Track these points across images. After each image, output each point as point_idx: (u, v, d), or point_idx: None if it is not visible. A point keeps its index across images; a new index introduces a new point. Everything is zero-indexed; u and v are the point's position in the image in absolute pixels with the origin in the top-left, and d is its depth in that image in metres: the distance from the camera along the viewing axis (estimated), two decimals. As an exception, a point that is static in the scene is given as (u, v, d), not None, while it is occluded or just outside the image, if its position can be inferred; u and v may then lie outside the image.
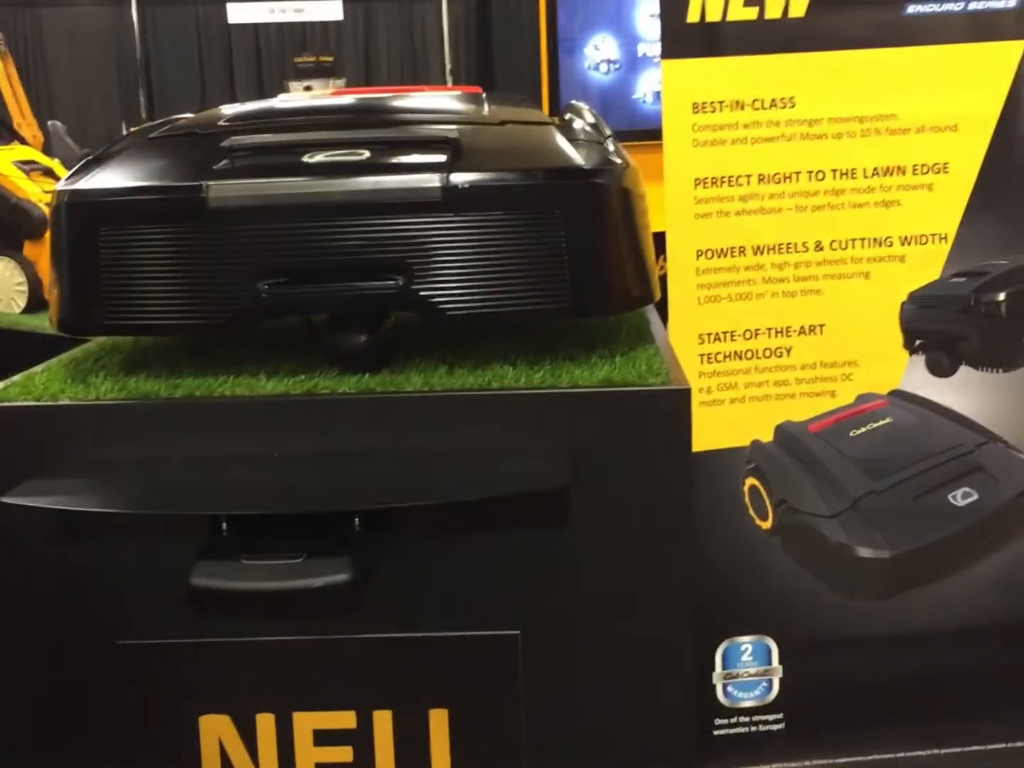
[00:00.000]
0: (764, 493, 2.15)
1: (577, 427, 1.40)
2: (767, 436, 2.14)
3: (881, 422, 2.16)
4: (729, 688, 2.20)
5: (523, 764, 1.46)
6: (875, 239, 2.04)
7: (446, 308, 1.41)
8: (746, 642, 2.18)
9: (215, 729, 1.44)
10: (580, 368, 1.45)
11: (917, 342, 2.08)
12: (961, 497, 2.16)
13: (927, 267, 2.06)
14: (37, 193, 3.38)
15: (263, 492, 1.31)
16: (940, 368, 2.09)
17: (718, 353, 2.07)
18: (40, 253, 3.30)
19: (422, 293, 1.41)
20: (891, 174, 2.01)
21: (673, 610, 1.48)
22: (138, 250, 1.40)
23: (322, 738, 1.44)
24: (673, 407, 1.41)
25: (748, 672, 2.19)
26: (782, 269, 2.05)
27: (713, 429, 2.08)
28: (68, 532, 1.40)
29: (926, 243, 2.05)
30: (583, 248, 1.44)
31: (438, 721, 1.44)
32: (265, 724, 1.44)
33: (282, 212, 1.39)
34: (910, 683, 2.20)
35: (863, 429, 2.15)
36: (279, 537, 1.30)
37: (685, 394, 1.42)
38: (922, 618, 2.19)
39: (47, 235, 1.48)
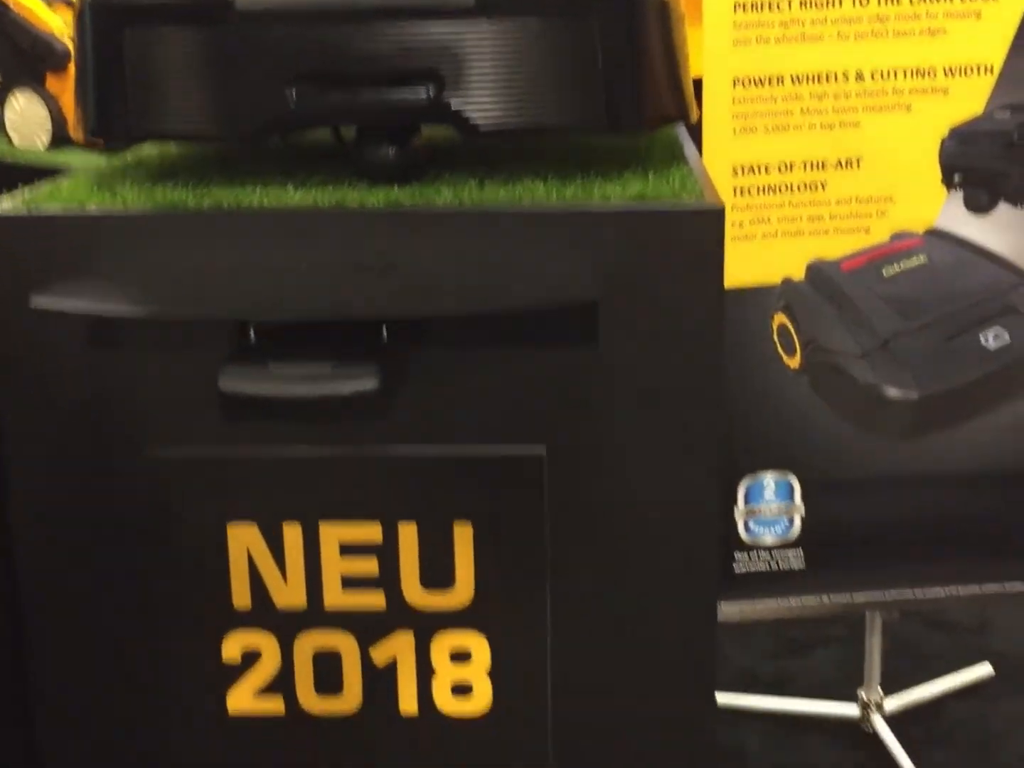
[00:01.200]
0: (793, 331, 2.14)
1: (608, 245, 1.38)
2: (799, 274, 2.12)
3: (915, 261, 2.13)
4: (751, 524, 2.21)
5: (547, 581, 1.48)
6: (918, 70, 1.98)
7: (477, 122, 1.38)
8: (769, 479, 2.20)
9: (243, 538, 1.46)
10: (612, 184, 1.43)
11: (956, 178, 2.04)
12: (992, 339, 2.14)
13: (971, 100, 2.01)
14: (60, 25, 3.32)
15: (291, 299, 1.30)
16: (978, 205, 2.05)
17: (752, 186, 2.04)
18: (63, 87, 3.24)
19: (453, 105, 1.38)
20: (938, 0, 1.95)
21: (699, 439, 1.48)
22: (163, 53, 1.37)
23: (348, 549, 1.46)
24: (707, 225, 1.38)
25: (770, 509, 2.21)
26: (821, 100, 2.00)
27: (744, 265, 2.06)
28: (96, 341, 1.40)
29: (971, 75, 1.99)
30: (619, 60, 1.40)
31: (462, 536, 1.45)
32: (292, 535, 1.45)
33: (312, 16, 1.35)
34: (931, 523, 2.21)
35: (896, 268, 2.13)
36: (307, 346, 1.30)
37: (719, 213, 1.40)
38: (946, 460, 2.19)
39: (70, 68, 1.46)
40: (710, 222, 1.39)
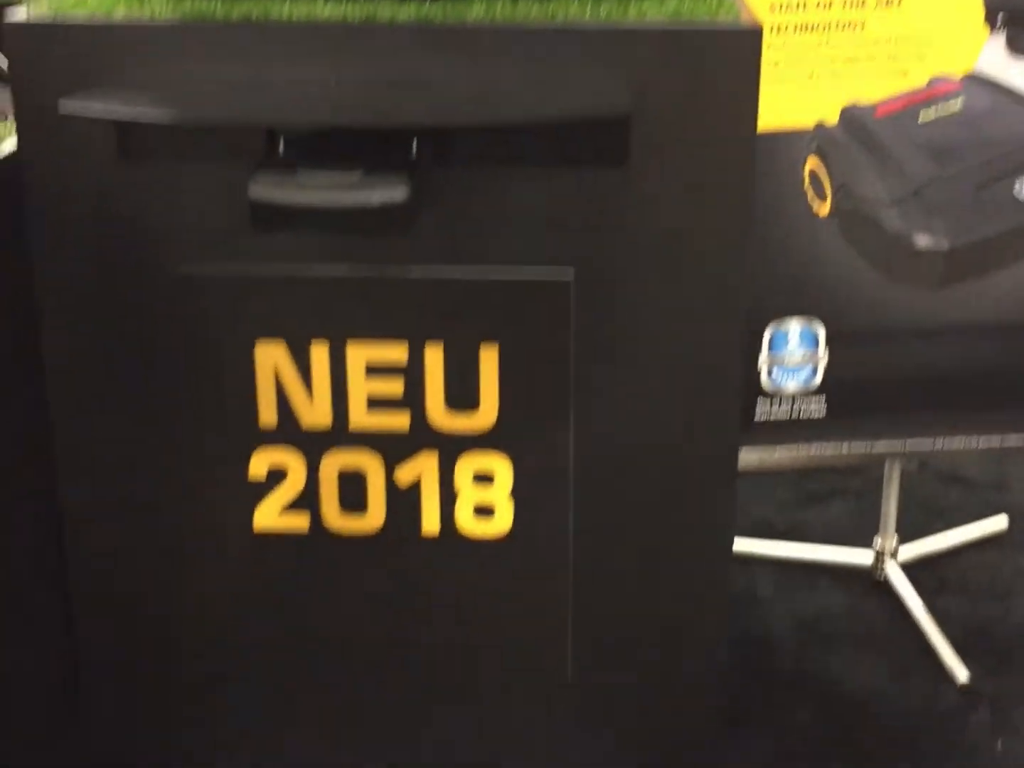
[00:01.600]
0: (824, 176, 2.11)
1: (642, 62, 1.35)
2: (833, 118, 2.08)
3: (951, 107, 2.08)
4: (774, 372, 2.21)
5: (570, 406, 1.49)
6: (964, -98, 1.93)
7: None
8: (794, 326, 2.19)
9: (271, 356, 1.47)
10: (648, 1, 1.40)
11: (1000, 18, 1.99)
12: (1026, 189, 2.11)
13: (1018, -64, 1.95)
14: None
15: (321, 107, 1.29)
16: (1021, 46, 2.00)
17: (789, 24, 1.99)
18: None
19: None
20: None
21: (726, 276, 1.47)
22: None
23: (374, 370, 1.47)
24: (744, 45, 1.36)
25: (794, 357, 2.20)
26: (863, -66, 1.95)
27: (778, 108, 2.02)
28: (125, 152, 1.39)
29: (1019, -92, 1.93)
30: None
31: (488, 358, 1.46)
32: (319, 354, 1.46)
33: None
34: (955, 374, 2.20)
35: (932, 114, 2.08)
36: (337, 157, 1.29)
37: (756, 34, 1.37)
38: (974, 311, 2.17)
39: None
40: (747, 43, 1.37)
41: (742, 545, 2.46)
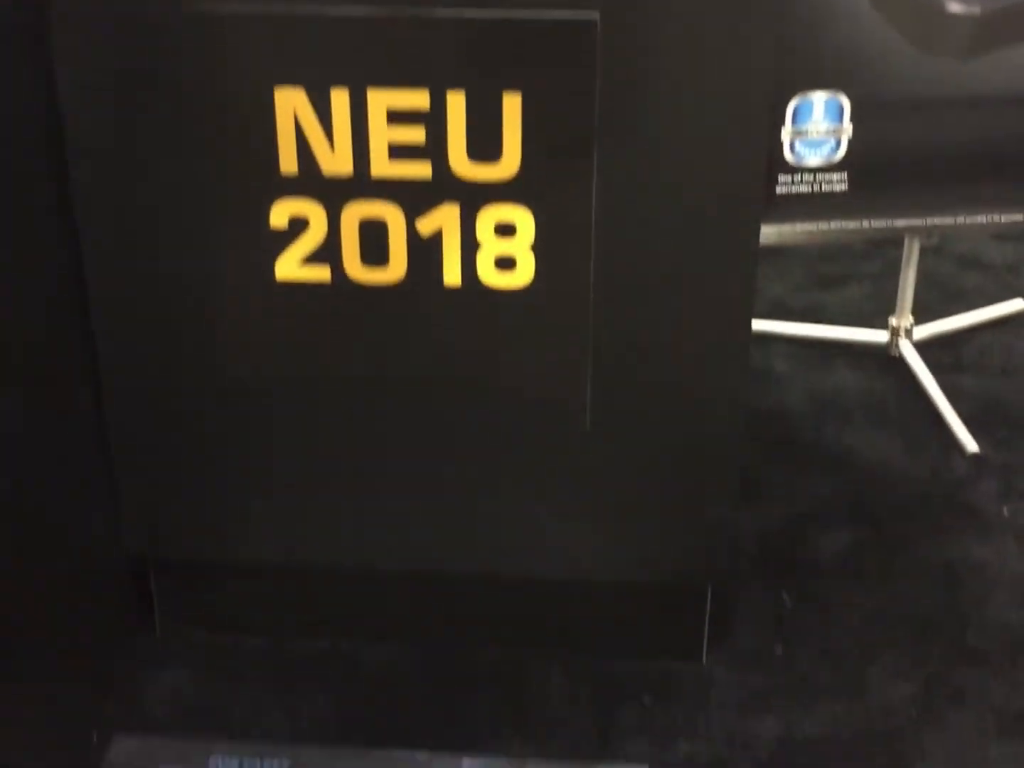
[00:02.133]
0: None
1: None
2: None
3: None
4: (796, 146, 2.18)
5: (594, 156, 1.47)
6: None
7: None
8: (819, 98, 2.15)
9: (290, 102, 1.44)
10: None
11: None
12: (1064, -47, 2.04)
13: None
14: None
15: None
16: None
17: None
18: None
19: None
20: None
21: (755, 31, 1.43)
22: None
23: (395, 117, 1.45)
24: None
25: (818, 129, 2.17)
26: None
27: None
28: None
29: None
30: None
31: (511, 106, 1.43)
32: (340, 100, 1.44)
33: None
34: (980, 147, 2.17)
35: None
36: None
37: None
38: (1003, 81, 2.13)
39: None
40: None
41: (759, 325, 2.47)
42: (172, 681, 1.74)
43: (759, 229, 1.58)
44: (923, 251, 2.41)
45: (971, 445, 2.16)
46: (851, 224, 2.24)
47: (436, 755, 1.60)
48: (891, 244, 2.72)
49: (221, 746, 1.64)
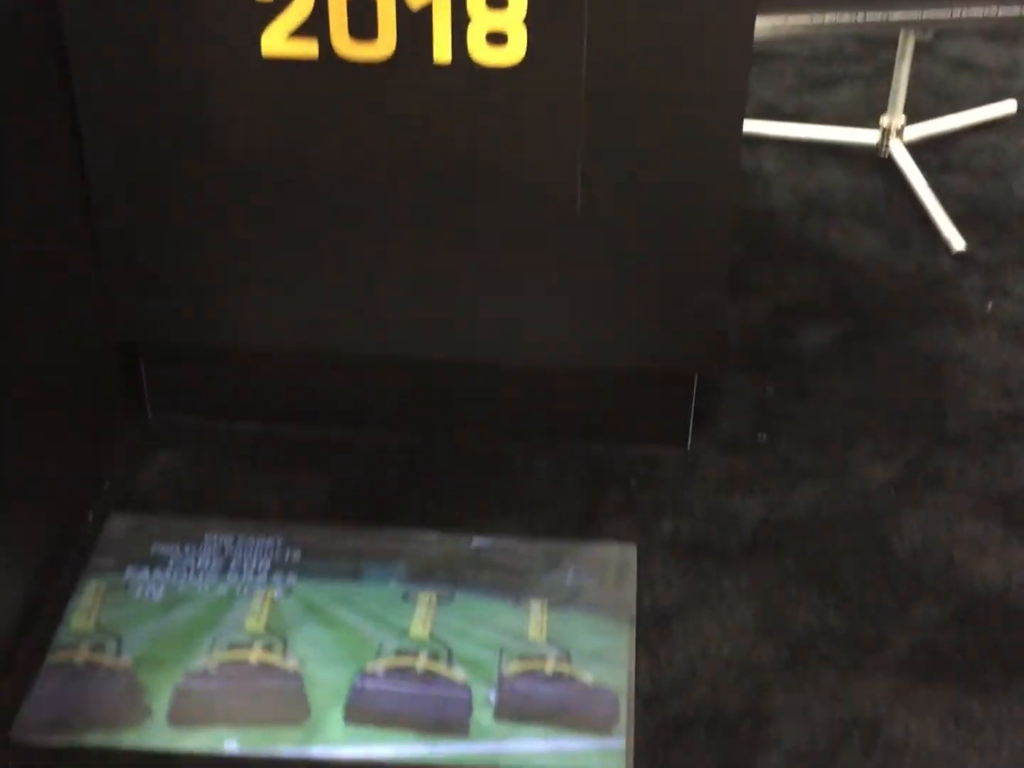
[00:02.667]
0: None
1: None
2: None
3: None
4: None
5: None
6: None
7: None
8: None
9: None
10: None
11: None
12: None
13: None
14: None
15: None
16: None
17: None
18: None
19: None
20: None
21: None
22: None
23: None
24: None
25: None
26: None
27: None
28: None
29: None
30: None
31: None
32: None
33: None
34: None
35: None
36: None
37: None
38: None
39: None
40: None
41: (748, 127, 2.45)
42: (165, 465, 1.76)
43: (754, 20, 1.54)
44: (916, 52, 2.38)
45: (957, 243, 2.16)
46: (845, 17, 2.20)
47: (447, 534, 1.65)
48: (883, 46, 2.69)
49: (216, 524, 1.68)
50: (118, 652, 1.50)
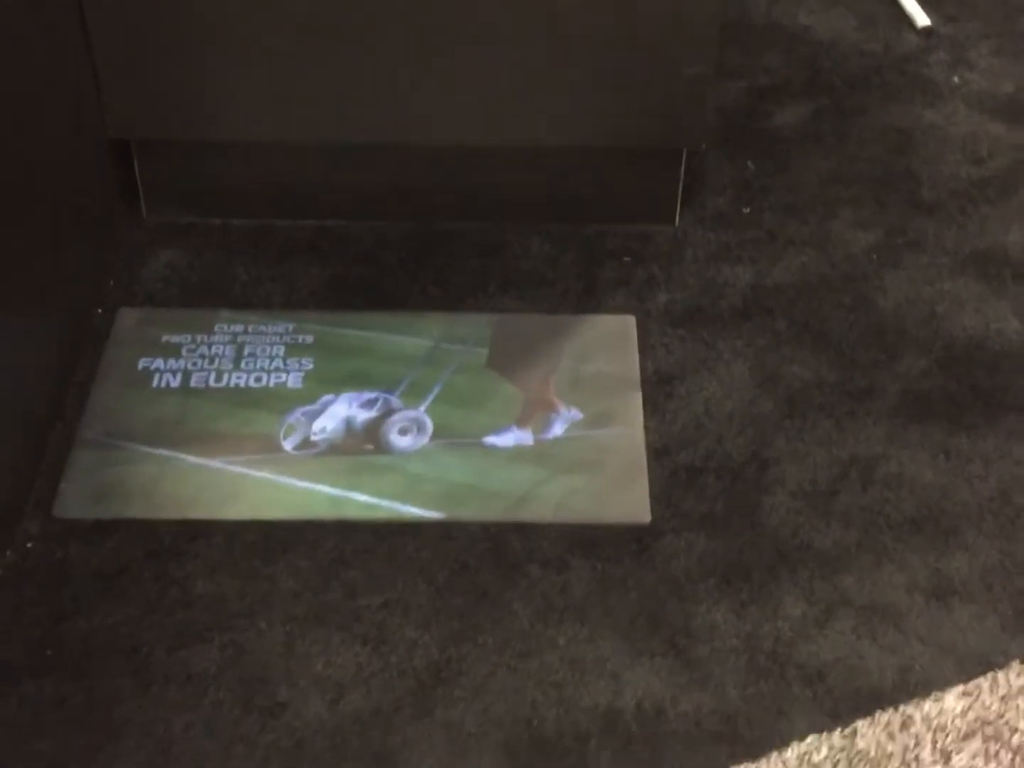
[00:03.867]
0: None
1: None
2: None
3: None
4: None
5: None
6: None
7: None
8: None
9: None
10: None
11: None
12: None
13: None
14: None
15: None
16: None
17: None
18: None
19: None
20: None
21: None
22: None
23: None
24: None
25: None
26: None
27: None
28: None
29: None
30: None
31: None
32: None
33: None
34: None
35: None
36: None
37: None
38: None
39: None
40: None
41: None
42: (166, 261, 1.79)
43: None
44: None
45: (922, 19, 2.21)
46: None
47: (462, 311, 1.70)
48: None
49: (225, 313, 1.72)
50: (138, 436, 1.56)
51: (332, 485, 1.50)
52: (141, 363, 1.65)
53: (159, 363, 1.65)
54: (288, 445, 1.55)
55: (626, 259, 1.80)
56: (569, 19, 1.64)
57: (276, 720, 1.26)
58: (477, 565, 1.41)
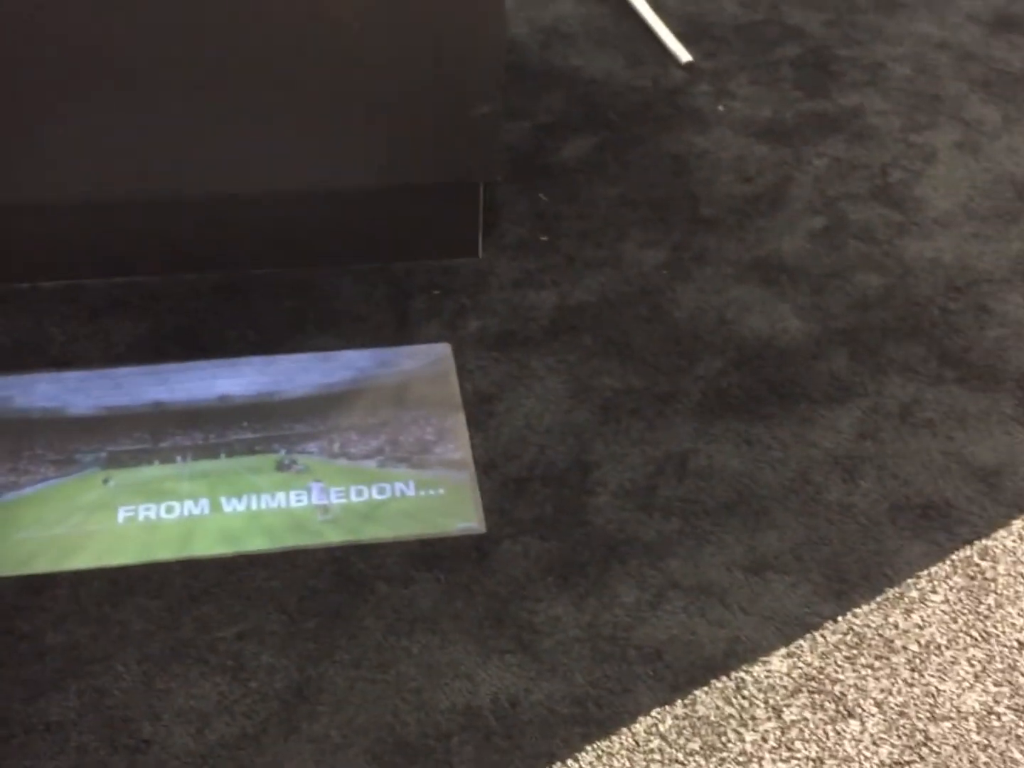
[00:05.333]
0: None
1: None
2: None
3: None
4: None
5: None
6: None
7: None
8: None
9: None
10: None
11: None
12: None
13: None
14: None
15: None
16: None
17: None
18: None
19: None
20: None
21: None
22: None
23: None
24: None
25: None
26: None
27: None
28: None
29: None
30: None
31: None
32: None
33: None
34: None
35: None
36: None
37: None
38: None
39: None
40: None
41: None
42: (-22, 328, 1.79)
43: None
44: None
45: (684, 55, 2.38)
46: None
47: (272, 357, 1.74)
48: None
49: (46, 375, 1.73)
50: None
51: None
52: (-39, 429, 1.65)
53: (-19, 427, 1.65)
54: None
55: (435, 292, 1.88)
56: (363, 65, 1.72)
57: (144, 756, 1.28)
58: (326, 588, 1.46)
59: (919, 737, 1.34)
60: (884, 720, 1.36)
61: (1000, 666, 1.41)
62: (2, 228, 1.82)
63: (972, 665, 1.41)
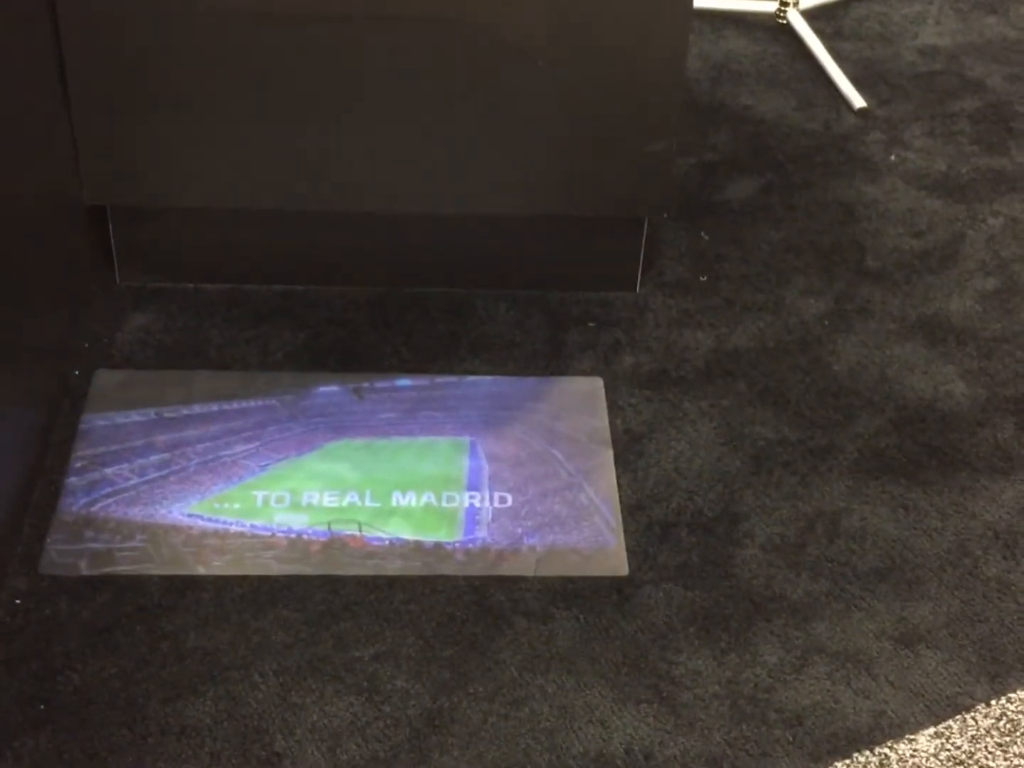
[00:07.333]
0: None
1: None
2: None
3: None
4: None
5: None
6: None
7: None
8: None
9: None
10: None
11: None
12: None
13: None
14: None
15: None
16: None
17: None
18: None
19: None
20: None
21: None
22: None
23: None
24: None
25: None
26: None
27: None
28: None
29: None
30: None
31: None
32: None
33: None
34: None
35: None
36: None
37: None
38: None
39: None
40: None
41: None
42: (141, 325, 1.81)
43: None
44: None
45: (858, 101, 2.33)
46: None
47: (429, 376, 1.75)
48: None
49: (201, 376, 1.75)
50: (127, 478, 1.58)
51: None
52: (117, 419, 1.67)
53: (136, 418, 1.68)
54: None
55: (590, 324, 1.86)
56: (541, 97, 1.71)
57: (275, 770, 1.29)
58: (464, 616, 1.45)
59: (1071, 836, 1.28)
60: (1034, 814, 1.30)
61: None
62: (174, 229, 1.85)
63: None
